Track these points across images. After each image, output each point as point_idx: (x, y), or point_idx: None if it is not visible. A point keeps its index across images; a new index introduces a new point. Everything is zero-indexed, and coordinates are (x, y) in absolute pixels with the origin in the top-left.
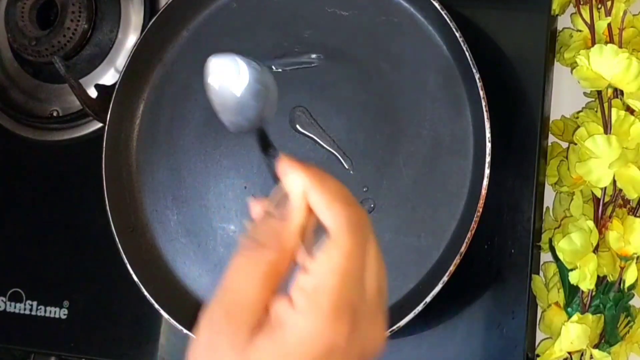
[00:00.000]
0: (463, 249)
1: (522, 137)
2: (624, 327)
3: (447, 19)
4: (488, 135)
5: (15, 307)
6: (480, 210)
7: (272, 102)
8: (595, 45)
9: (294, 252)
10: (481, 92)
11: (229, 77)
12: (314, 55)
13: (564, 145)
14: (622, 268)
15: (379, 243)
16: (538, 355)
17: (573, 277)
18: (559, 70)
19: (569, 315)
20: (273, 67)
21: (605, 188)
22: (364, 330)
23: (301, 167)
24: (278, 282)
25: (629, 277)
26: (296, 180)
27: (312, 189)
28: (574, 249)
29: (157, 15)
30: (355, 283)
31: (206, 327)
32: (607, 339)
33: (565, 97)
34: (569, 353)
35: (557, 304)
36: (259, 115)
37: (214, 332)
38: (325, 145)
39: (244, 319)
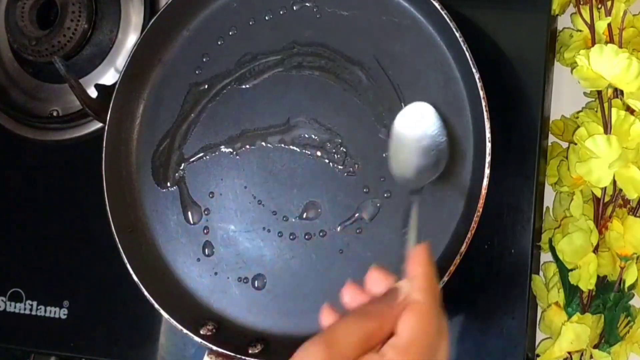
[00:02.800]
0: (463, 249)
1: (522, 137)
2: (624, 327)
3: (447, 19)
4: (488, 135)
5: (15, 307)
6: (480, 210)
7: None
8: (595, 45)
9: (386, 333)
10: (481, 92)
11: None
12: None
13: (564, 145)
14: (622, 268)
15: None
16: (538, 355)
17: (573, 277)
18: (559, 70)
19: (569, 315)
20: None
21: (605, 188)
22: None
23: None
24: (369, 348)
25: (629, 277)
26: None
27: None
28: (574, 249)
29: (157, 15)
30: (434, 353)
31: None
32: (607, 339)
33: (565, 97)
34: (569, 353)
35: (557, 304)
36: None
37: None
38: (325, 146)
39: None
